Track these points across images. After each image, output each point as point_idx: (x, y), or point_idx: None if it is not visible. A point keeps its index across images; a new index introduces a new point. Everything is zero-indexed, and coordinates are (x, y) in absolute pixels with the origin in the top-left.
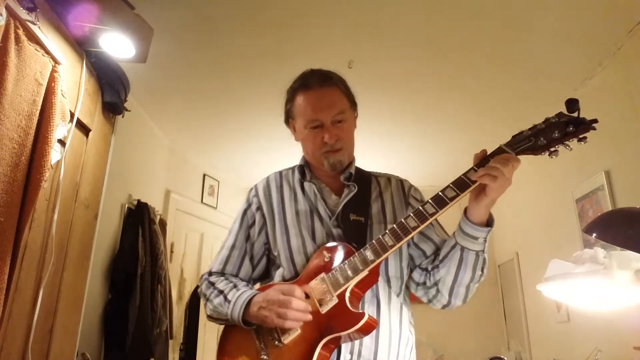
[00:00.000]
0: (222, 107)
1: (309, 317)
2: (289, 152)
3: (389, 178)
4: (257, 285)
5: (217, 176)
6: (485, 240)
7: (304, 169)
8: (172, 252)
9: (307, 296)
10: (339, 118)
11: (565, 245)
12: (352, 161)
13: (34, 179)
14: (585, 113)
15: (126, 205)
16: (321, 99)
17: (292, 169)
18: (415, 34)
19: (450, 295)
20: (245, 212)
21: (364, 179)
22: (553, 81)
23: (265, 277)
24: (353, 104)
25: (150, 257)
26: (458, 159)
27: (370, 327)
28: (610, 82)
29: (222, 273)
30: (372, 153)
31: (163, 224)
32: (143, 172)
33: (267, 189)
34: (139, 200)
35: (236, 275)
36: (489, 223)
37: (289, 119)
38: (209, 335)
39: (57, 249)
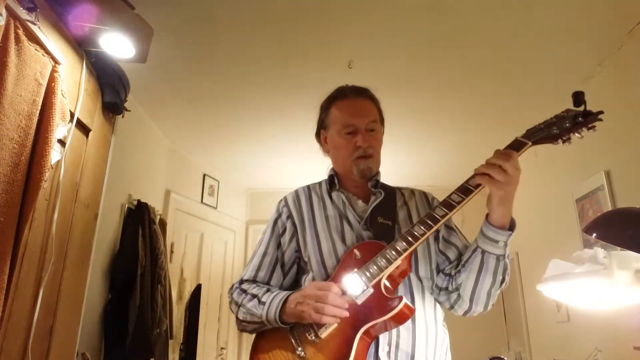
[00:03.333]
0: (222, 107)
1: (346, 313)
2: (289, 152)
3: (412, 190)
4: None
5: (217, 176)
6: (505, 245)
7: (334, 179)
8: (172, 252)
9: (343, 293)
10: (372, 127)
11: (565, 245)
12: (378, 172)
13: (34, 179)
14: None
15: (126, 205)
16: (357, 106)
17: (319, 182)
18: (415, 33)
19: (471, 300)
20: (275, 221)
21: (389, 189)
22: (553, 81)
23: (295, 286)
24: (382, 121)
25: (150, 257)
26: (458, 159)
27: (406, 314)
28: (610, 82)
29: (254, 280)
30: None
31: (163, 224)
32: (143, 172)
33: (297, 198)
34: (139, 200)
35: (267, 283)
36: (510, 227)
37: (320, 129)
38: (209, 335)
39: (57, 249)
